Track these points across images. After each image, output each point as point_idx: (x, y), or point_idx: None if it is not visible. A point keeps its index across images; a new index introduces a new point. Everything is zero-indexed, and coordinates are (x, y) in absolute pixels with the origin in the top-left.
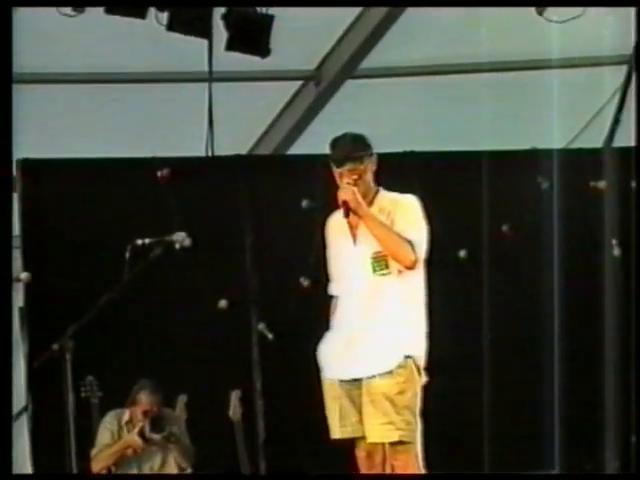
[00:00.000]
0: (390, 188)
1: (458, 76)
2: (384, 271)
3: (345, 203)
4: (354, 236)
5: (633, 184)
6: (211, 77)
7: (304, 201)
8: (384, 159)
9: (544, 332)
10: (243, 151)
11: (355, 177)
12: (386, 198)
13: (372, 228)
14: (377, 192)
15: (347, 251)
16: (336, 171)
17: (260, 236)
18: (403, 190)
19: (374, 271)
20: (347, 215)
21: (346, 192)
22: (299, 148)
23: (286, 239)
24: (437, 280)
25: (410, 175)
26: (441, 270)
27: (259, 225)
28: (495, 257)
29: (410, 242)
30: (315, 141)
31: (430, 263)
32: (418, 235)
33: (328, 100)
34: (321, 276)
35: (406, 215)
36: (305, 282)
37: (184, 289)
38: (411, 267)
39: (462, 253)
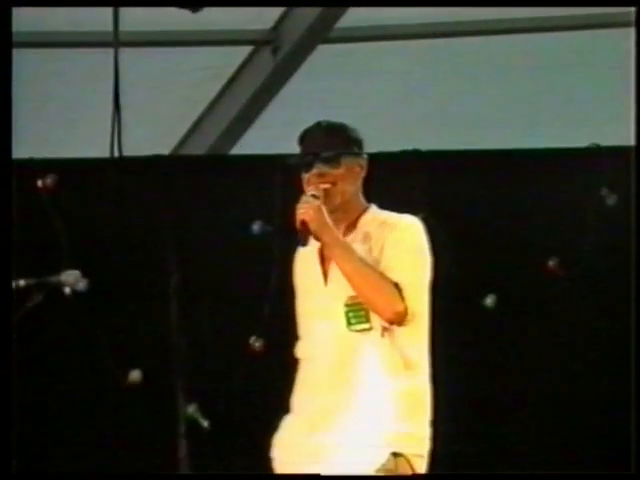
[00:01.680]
0: (385, 205)
1: (472, 39)
2: (363, 325)
3: (303, 225)
4: (325, 272)
5: None
6: (117, 40)
7: (256, 223)
8: (375, 161)
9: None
10: (165, 149)
11: (326, 186)
12: (375, 220)
13: (341, 263)
14: (365, 210)
15: (315, 294)
16: (303, 177)
17: (190, 274)
18: (400, 208)
19: (348, 324)
20: (304, 242)
21: (306, 208)
22: (249, 145)
23: (229, 279)
24: (450, 339)
25: (411, 185)
26: (457, 325)
27: (189, 258)
28: (536, 305)
29: (396, 285)
30: (273, 134)
31: (439, 314)
32: (410, 275)
33: (291, 74)
34: (280, 334)
35: (398, 245)
36: (257, 343)
37: (79, 353)
38: (395, 321)
39: (489, 300)
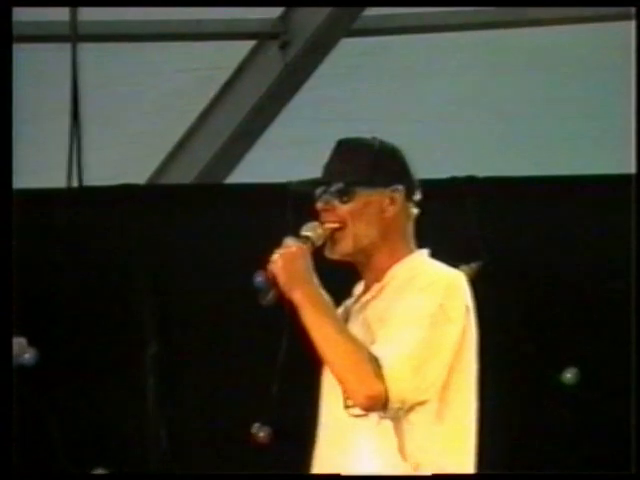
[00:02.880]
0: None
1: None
2: (355, 409)
3: (270, 278)
4: None
5: None
6: (75, 34)
7: (260, 274)
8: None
9: None
10: (140, 177)
11: (333, 225)
12: (408, 272)
13: (309, 327)
14: (400, 259)
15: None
16: (318, 207)
17: (173, 342)
18: (446, 253)
19: (345, 407)
20: (267, 303)
21: (277, 256)
22: (251, 170)
23: (225, 348)
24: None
25: (463, 221)
26: (527, 404)
27: (171, 320)
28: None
29: (376, 361)
30: (284, 155)
31: (504, 392)
32: (410, 348)
33: (306, 76)
34: (292, 420)
35: (409, 306)
36: (261, 432)
37: (26, 450)
38: (369, 407)
39: (569, 375)
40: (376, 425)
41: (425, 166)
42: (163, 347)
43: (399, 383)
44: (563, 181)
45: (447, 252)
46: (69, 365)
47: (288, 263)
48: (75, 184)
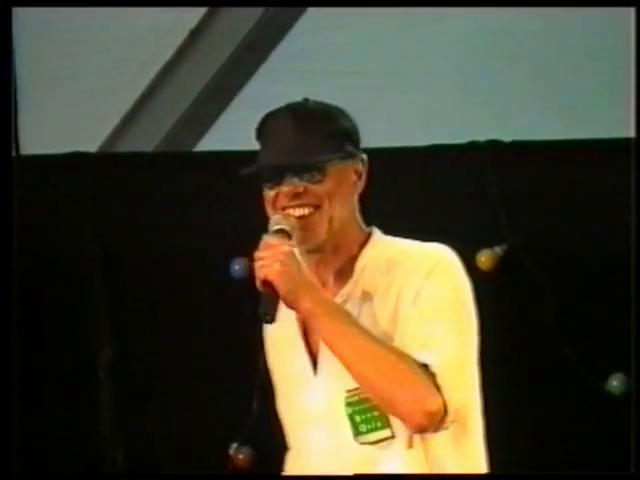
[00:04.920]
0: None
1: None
2: (379, 433)
3: (266, 287)
4: (312, 355)
5: None
6: None
7: (237, 262)
8: (383, 158)
9: None
10: (94, 143)
11: (302, 212)
12: (384, 256)
13: (332, 341)
14: (366, 242)
15: (301, 388)
16: (267, 196)
17: (131, 347)
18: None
19: (357, 433)
20: (270, 314)
21: (268, 259)
22: (228, 135)
23: (194, 354)
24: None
25: (480, 194)
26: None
27: (126, 321)
28: None
29: (426, 368)
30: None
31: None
32: (454, 349)
33: (291, 22)
34: (273, 440)
35: (432, 300)
36: (240, 454)
37: None
38: (428, 427)
39: (615, 382)
40: (405, 450)
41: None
42: (118, 352)
43: (455, 392)
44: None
45: (464, 231)
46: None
47: (285, 267)
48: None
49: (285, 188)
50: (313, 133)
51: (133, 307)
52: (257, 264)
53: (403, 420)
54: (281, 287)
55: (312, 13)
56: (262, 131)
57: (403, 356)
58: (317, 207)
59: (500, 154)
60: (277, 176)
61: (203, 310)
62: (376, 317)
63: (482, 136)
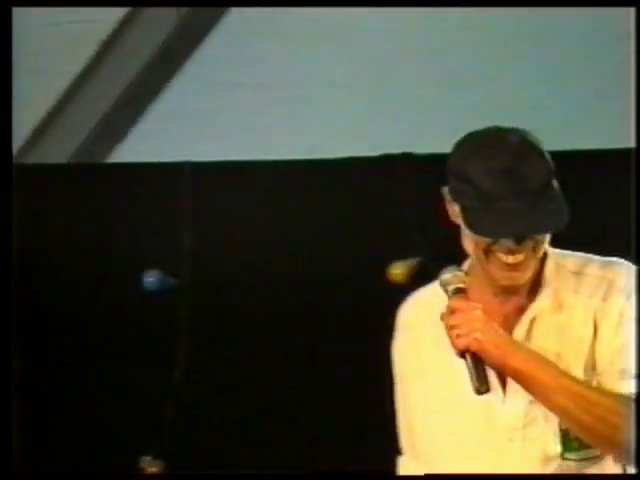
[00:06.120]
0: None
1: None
2: (580, 453)
3: (472, 354)
4: (501, 376)
5: None
6: None
7: (150, 274)
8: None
9: None
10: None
11: (521, 258)
12: (562, 270)
13: (546, 396)
14: (545, 257)
15: (490, 414)
16: (478, 243)
17: (42, 357)
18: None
19: (566, 450)
20: (487, 389)
21: (470, 321)
22: (141, 147)
23: (110, 361)
24: None
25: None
26: None
27: (38, 326)
28: None
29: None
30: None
31: None
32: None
33: (205, 31)
34: (186, 452)
35: (622, 324)
36: (152, 467)
37: None
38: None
39: None
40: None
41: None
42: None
43: None
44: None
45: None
46: None
47: (486, 335)
48: None
49: (511, 258)
50: (555, 202)
51: (39, 318)
52: (452, 333)
53: (626, 461)
54: (486, 357)
55: (227, 24)
56: (479, 174)
57: (616, 397)
58: (531, 251)
59: (411, 165)
60: (521, 239)
61: (113, 321)
62: (569, 332)
63: (403, 148)
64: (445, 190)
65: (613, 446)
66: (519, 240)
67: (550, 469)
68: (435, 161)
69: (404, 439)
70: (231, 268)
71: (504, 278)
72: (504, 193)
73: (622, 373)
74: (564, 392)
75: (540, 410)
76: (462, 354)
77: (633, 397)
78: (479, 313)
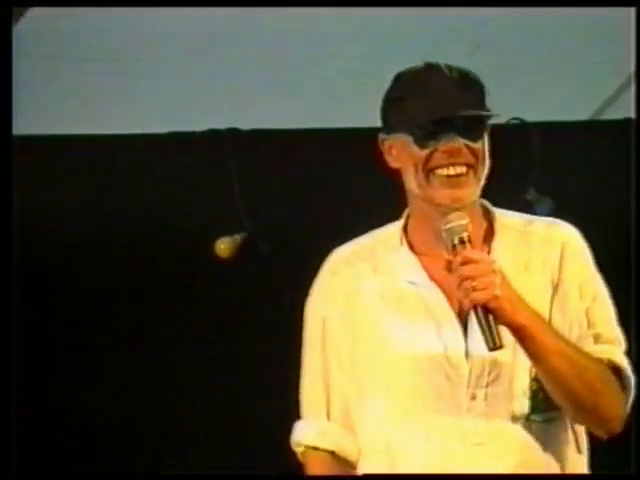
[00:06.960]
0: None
1: None
2: (544, 414)
3: (485, 308)
4: (461, 317)
5: None
6: None
7: None
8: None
9: None
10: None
11: (462, 169)
12: (514, 229)
13: (544, 357)
14: (490, 211)
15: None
16: (416, 155)
17: None
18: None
19: (532, 412)
20: (500, 345)
21: (485, 274)
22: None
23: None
24: None
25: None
26: None
27: None
28: None
29: (620, 372)
30: None
31: None
32: (620, 337)
33: None
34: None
35: (592, 284)
36: None
37: None
38: (616, 432)
39: None
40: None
41: None
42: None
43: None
44: None
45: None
46: None
47: (505, 291)
48: None
49: (443, 146)
50: (475, 90)
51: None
52: (466, 284)
53: (596, 428)
54: (501, 313)
55: None
56: (406, 88)
57: (599, 364)
58: (471, 167)
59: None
60: (437, 133)
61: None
62: (528, 290)
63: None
64: (381, 136)
65: (590, 412)
66: (442, 130)
67: (513, 428)
68: (257, 137)
69: (332, 406)
70: None
71: (446, 197)
72: (436, 91)
73: (596, 338)
74: (560, 355)
75: (505, 369)
76: (479, 309)
77: (612, 363)
78: (497, 267)
